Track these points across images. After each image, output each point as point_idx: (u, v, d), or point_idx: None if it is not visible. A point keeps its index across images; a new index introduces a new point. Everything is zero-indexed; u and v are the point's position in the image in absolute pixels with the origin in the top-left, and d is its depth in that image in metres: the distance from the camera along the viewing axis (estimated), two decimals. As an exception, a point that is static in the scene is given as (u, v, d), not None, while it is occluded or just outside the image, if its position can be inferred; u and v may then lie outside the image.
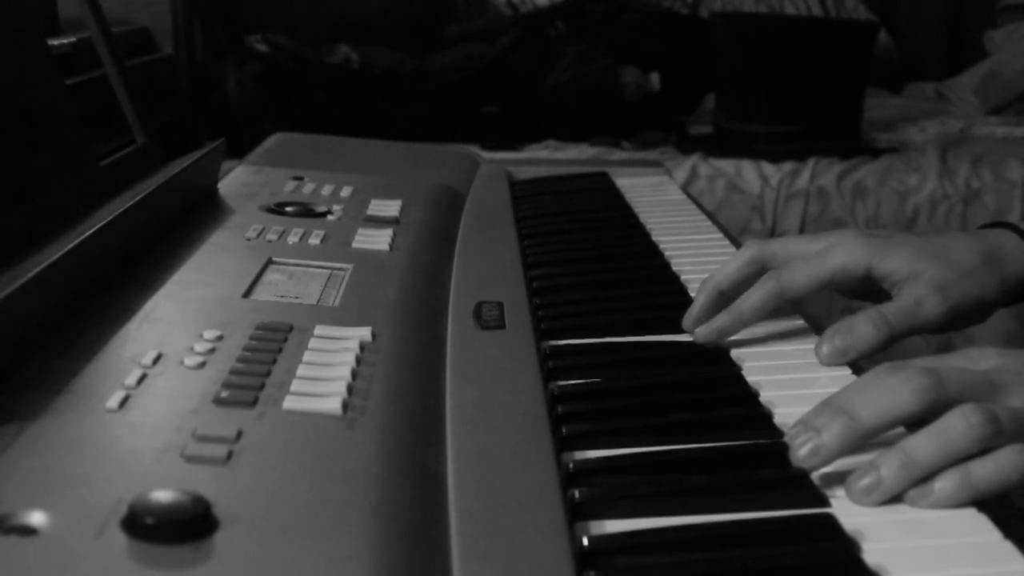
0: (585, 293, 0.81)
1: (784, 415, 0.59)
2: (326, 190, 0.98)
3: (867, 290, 0.73)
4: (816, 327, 0.73)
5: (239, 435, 0.48)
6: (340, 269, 0.76)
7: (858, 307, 0.73)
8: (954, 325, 0.70)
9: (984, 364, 0.55)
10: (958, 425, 0.50)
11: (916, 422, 0.53)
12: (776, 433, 0.57)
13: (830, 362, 0.66)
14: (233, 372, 0.55)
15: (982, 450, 0.50)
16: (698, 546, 0.47)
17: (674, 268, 0.87)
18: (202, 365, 0.56)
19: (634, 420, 0.59)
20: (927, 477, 0.50)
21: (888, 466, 0.50)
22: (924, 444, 0.50)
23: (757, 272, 0.73)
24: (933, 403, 0.52)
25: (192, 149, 0.94)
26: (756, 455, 0.55)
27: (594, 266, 0.89)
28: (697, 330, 0.71)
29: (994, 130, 2.61)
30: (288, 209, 0.90)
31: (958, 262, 0.69)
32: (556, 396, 0.61)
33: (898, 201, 2.17)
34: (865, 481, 0.50)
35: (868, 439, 0.53)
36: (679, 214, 1.08)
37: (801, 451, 0.52)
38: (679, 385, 0.64)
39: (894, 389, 0.52)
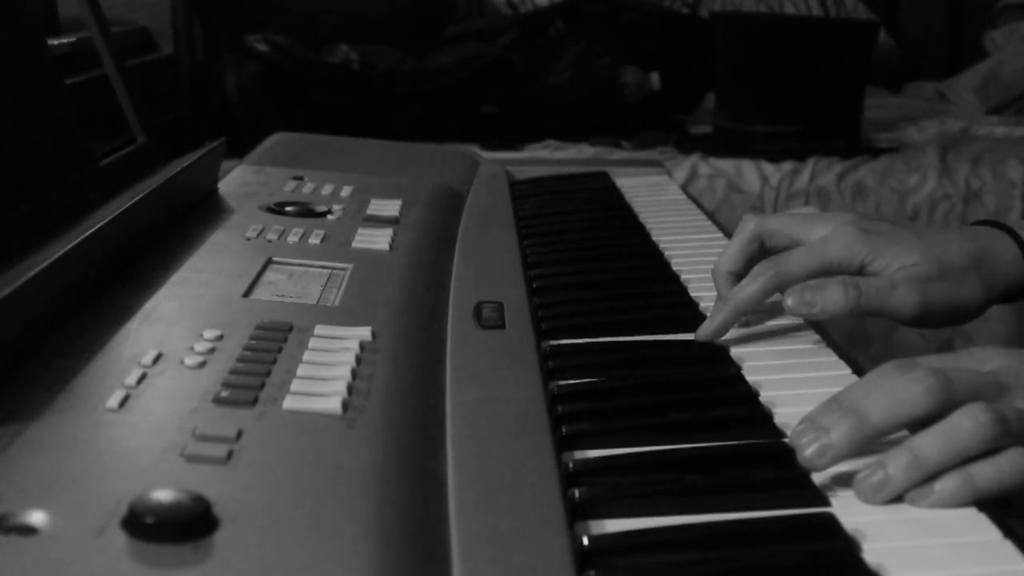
0: (585, 293, 0.81)
1: (784, 415, 0.59)
2: (326, 190, 0.98)
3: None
4: (815, 326, 0.73)
5: (239, 435, 0.48)
6: (340, 269, 0.76)
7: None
8: (929, 322, 0.71)
9: (989, 365, 0.55)
10: (966, 424, 0.50)
11: (922, 423, 0.53)
12: (776, 433, 0.57)
13: (795, 312, 0.69)
14: (233, 372, 0.55)
15: (988, 450, 0.50)
16: (698, 546, 0.47)
17: (674, 268, 0.87)
18: (202, 365, 0.56)
19: (634, 420, 0.59)
20: (931, 476, 0.50)
21: (896, 464, 0.50)
22: (932, 443, 0.50)
23: (759, 249, 0.75)
24: (942, 404, 0.52)
25: (192, 149, 0.94)
26: (756, 455, 0.55)
27: (594, 266, 0.89)
28: (699, 330, 0.71)
29: (994, 130, 2.61)
30: (288, 209, 0.90)
31: (946, 262, 0.71)
32: (556, 396, 0.61)
33: (898, 201, 2.17)
34: (873, 479, 0.50)
35: (876, 439, 0.52)
36: (679, 214, 1.08)
37: (808, 450, 0.52)
38: (679, 385, 0.64)
39: (904, 389, 0.52)
